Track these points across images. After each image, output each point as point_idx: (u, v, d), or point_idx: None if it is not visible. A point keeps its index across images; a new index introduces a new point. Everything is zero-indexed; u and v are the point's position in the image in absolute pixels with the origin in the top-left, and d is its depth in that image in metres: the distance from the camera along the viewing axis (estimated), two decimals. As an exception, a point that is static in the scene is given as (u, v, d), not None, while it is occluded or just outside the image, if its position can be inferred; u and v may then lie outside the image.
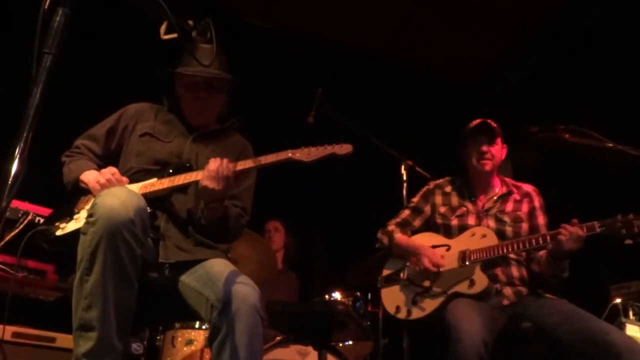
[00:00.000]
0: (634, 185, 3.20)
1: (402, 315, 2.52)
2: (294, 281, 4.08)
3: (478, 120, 2.75)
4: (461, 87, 5.26)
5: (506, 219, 2.60)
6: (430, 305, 2.46)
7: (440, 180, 2.87)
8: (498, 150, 2.71)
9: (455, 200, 2.73)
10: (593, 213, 2.32)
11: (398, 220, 2.79)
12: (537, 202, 2.67)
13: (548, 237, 2.34)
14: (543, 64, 4.87)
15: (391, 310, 2.58)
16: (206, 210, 1.98)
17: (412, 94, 5.01)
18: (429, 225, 2.77)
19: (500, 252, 2.41)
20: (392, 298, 2.61)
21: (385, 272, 2.72)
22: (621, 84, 3.98)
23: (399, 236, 2.70)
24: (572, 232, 2.25)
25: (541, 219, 2.63)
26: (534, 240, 2.38)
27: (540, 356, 2.39)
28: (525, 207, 2.65)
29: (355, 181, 4.41)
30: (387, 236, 2.73)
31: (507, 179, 2.79)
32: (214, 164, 1.88)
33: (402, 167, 3.42)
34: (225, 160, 1.90)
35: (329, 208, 4.56)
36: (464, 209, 2.68)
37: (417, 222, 2.77)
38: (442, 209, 2.72)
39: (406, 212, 2.82)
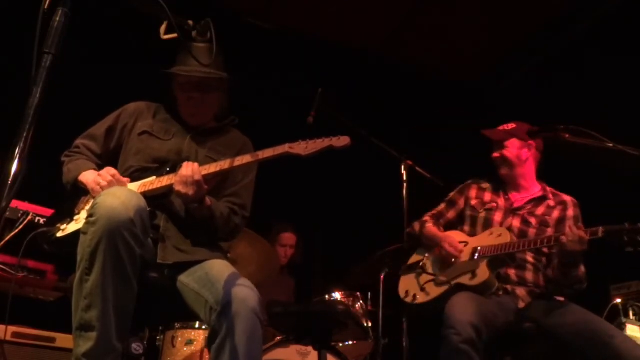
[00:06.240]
0: (634, 185, 3.19)
1: (409, 299, 2.64)
2: (292, 284, 4.09)
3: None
4: (461, 86, 5.26)
5: (533, 221, 2.61)
6: (434, 292, 2.55)
7: (480, 178, 2.89)
8: (512, 151, 2.72)
9: (488, 196, 2.77)
10: (593, 213, 2.32)
11: (433, 212, 2.87)
12: (571, 211, 2.63)
13: (553, 239, 2.35)
14: (543, 64, 4.87)
15: (401, 294, 2.70)
16: (190, 211, 1.99)
17: (412, 93, 5.01)
18: (462, 218, 2.80)
19: (507, 249, 2.44)
20: (406, 284, 2.72)
21: (410, 261, 2.80)
22: (621, 83, 3.98)
23: (430, 226, 2.77)
24: (574, 233, 2.25)
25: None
26: (539, 241, 2.40)
27: (541, 356, 2.40)
28: (556, 214, 2.63)
29: (356, 181, 4.41)
30: (420, 224, 2.82)
31: (548, 187, 2.77)
32: (185, 169, 1.89)
33: (402, 167, 3.42)
34: (195, 165, 1.90)
35: (329, 208, 4.56)
36: (494, 204, 2.71)
37: (450, 214, 2.83)
38: (474, 202, 2.77)
39: (442, 206, 2.88)
